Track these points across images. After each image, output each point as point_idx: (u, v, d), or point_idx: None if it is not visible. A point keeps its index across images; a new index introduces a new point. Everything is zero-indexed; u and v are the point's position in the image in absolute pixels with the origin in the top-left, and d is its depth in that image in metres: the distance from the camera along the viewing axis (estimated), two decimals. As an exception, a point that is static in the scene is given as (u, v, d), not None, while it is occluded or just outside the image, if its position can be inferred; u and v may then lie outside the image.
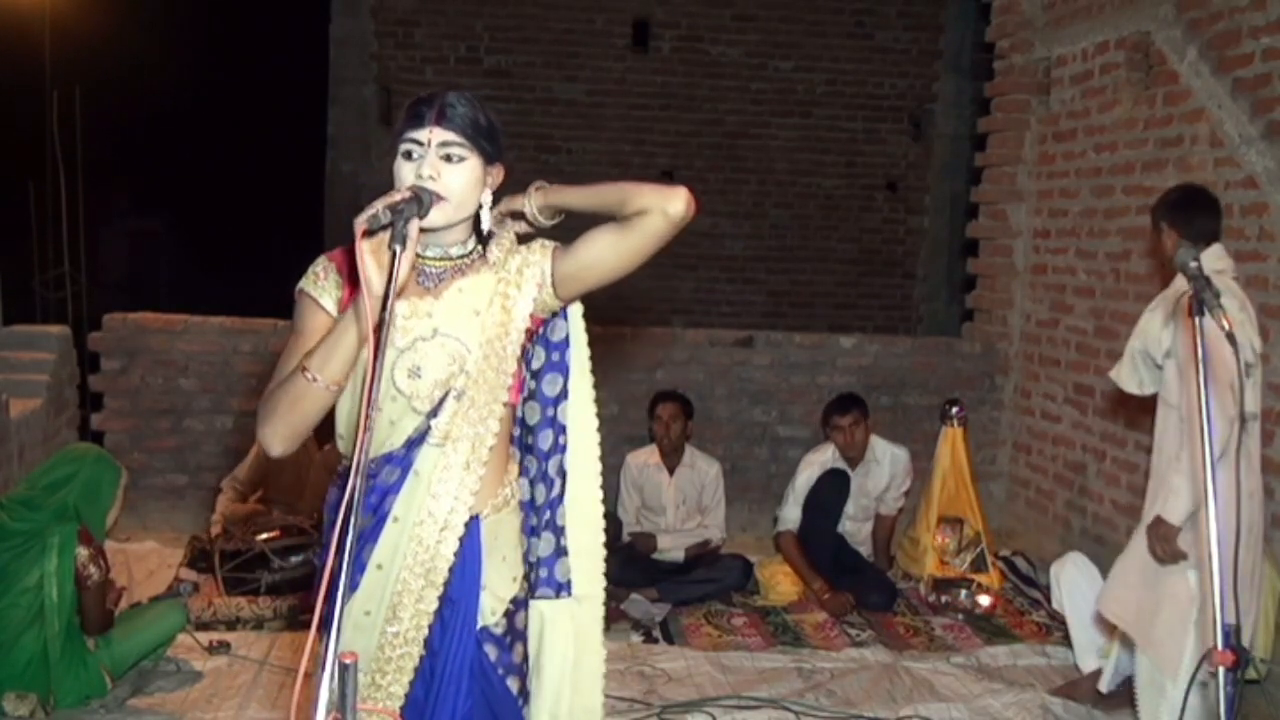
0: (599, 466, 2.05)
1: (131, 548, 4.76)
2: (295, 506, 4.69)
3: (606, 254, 1.82)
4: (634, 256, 1.81)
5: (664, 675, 3.75)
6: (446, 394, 1.83)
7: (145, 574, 4.50)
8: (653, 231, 1.77)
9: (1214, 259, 3.11)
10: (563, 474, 2.03)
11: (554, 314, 1.95)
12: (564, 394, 2.02)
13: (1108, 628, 3.50)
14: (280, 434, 1.72)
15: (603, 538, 2.07)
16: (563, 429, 2.02)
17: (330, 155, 8.45)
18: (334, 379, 1.68)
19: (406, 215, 1.57)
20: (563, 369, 2.02)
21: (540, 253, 1.89)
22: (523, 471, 2.03)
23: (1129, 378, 3.26)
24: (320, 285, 1.84)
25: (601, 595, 2.07)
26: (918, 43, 8.81)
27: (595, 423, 2.04)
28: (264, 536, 4.36)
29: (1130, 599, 3.22)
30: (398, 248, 1.52)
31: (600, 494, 2.06)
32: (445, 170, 1.77)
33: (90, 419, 5.28)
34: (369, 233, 1.57)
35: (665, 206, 1.76)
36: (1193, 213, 3.20)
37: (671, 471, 4.83)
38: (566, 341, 2.01)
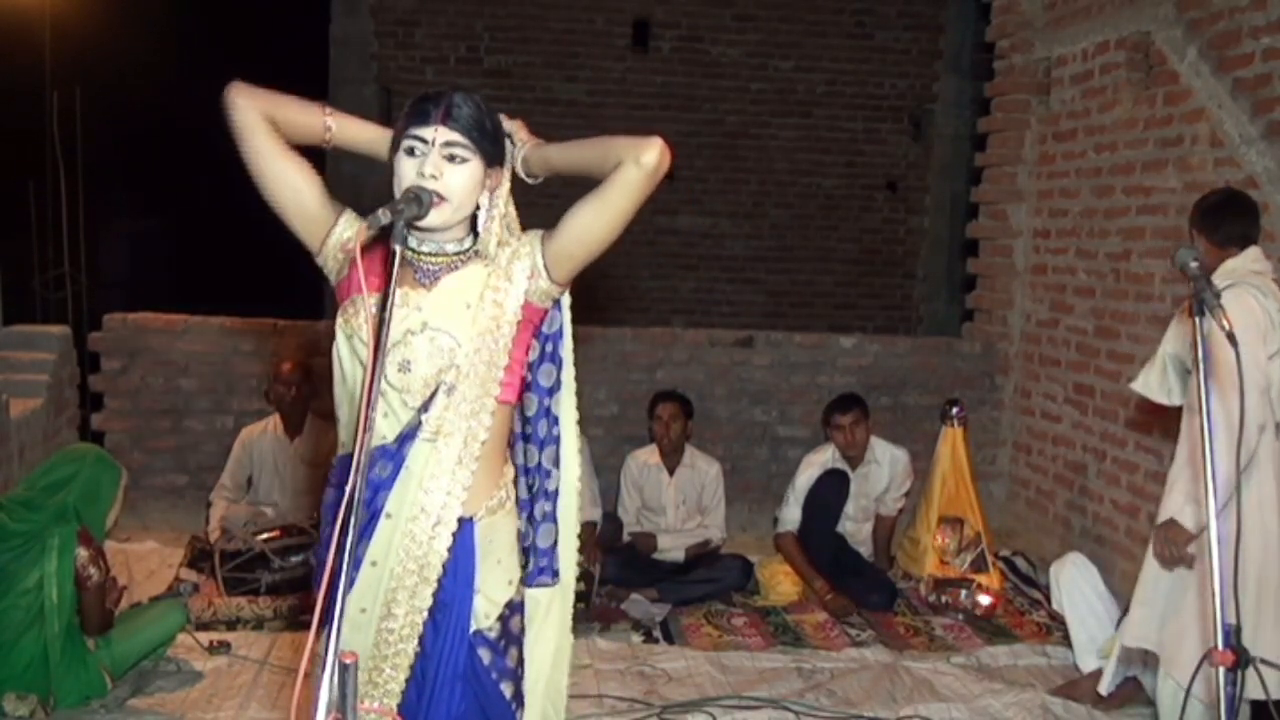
0: (579, 457, 2.10)
1: (131, 548, 4.76)
2: (278, 504, 4.69)
3: (592, 222, 1.82)
4: (618, 216, 1.82)
5: (664, 675, 3.74)
6: (437, 388, 1.83)
7: (145, 574, 4.50)
8: (629, 185, 1.78)
9: (1250, 260, 3.08)
10: (557, 465, 2.05)
11: (555, 301, 1.95)
12: (557, 385, 2.04)
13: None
14: (257, 104, 1.82)
15: (577, 525, 2.12)
16: (555, 420, 2.05)
17: (330, 155, 8.44)
18: (336, 131, 1.87)
19: (406, 216, 1.57)
20: (556, 360, 2.04)
21: (528, 243, 1.89)
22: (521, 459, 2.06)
23: (1158, 387, 3.18)
24: (350, 217, 1.92)
25: (574, 580, 2.13)
26: (918, 43, 8.80)
27: (575, 415, 2.08)
28: (264, 536, 4.37)
29: (1153, 619, 3.16)
30: (397, 247, 1.53)
31: (578, 483, 2.10)
32: (447, 170, 1.77)
33: (90, 419, 5.27)
34: (370, 234, 1.58)
35: (639, 156, 1.76)
36: (1220, 218, 3.16)
37: (671, 471, 4.83)
38: (560, 333, 2.03)
